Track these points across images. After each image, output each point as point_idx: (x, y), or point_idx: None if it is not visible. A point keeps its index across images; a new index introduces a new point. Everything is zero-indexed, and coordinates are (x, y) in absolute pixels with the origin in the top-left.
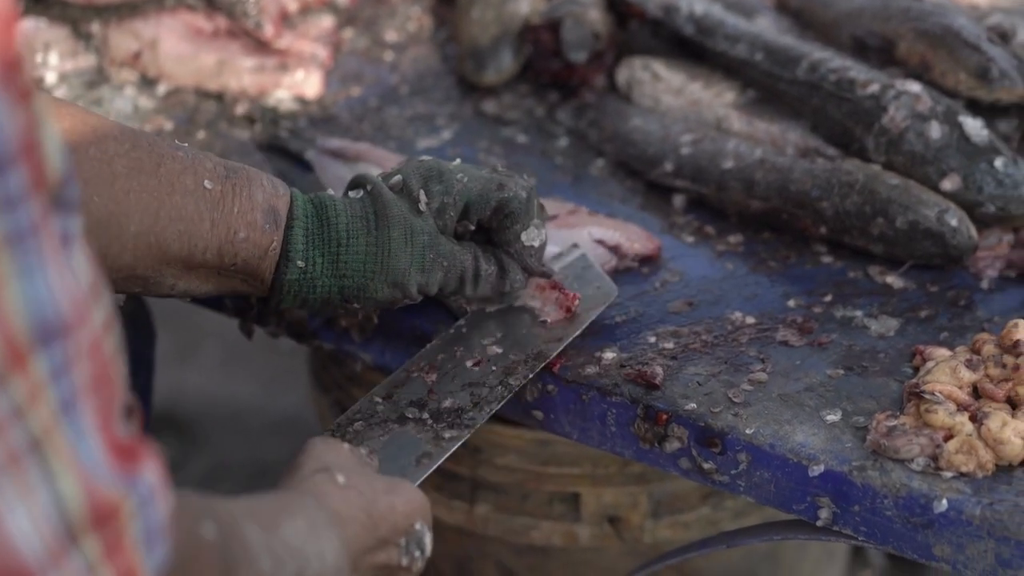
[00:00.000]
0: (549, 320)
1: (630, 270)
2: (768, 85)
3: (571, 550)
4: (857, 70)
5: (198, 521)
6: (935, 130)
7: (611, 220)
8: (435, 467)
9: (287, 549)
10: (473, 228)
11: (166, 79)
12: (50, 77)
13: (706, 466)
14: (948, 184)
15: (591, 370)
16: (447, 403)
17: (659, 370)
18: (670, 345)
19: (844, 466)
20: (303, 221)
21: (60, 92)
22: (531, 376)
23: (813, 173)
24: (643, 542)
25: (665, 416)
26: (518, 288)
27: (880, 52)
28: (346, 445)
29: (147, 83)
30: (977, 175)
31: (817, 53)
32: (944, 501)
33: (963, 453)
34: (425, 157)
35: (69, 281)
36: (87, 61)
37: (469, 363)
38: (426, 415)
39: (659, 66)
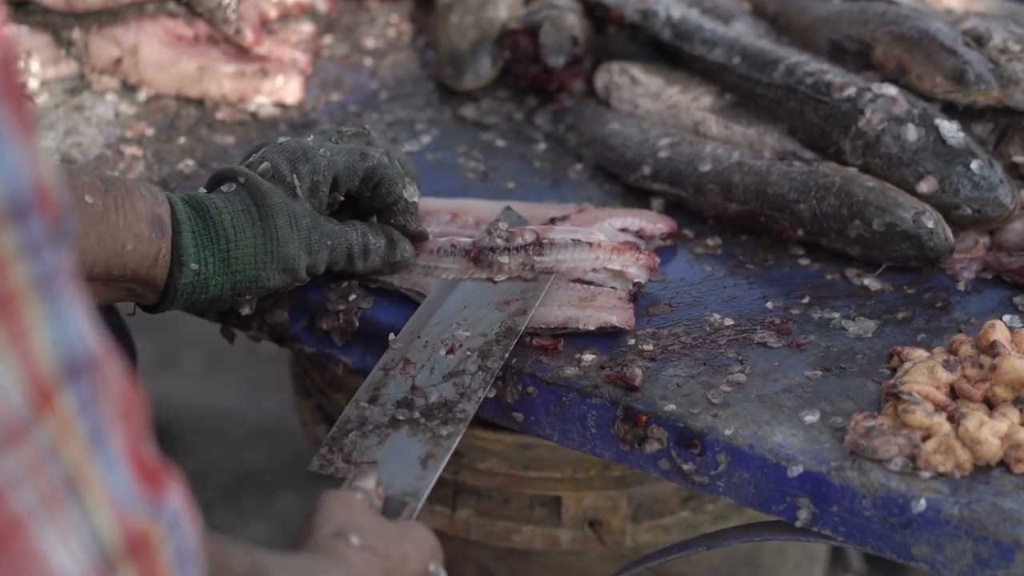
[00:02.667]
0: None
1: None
2: (745, 89)
3: (552, 554)
4: (834, 73)
5: (226, 553)
6: (911, 133)
7: (623, 209)
8: (443, 467)
9: None
10: (342, 199)
11: (147, 85)
12: (32, 84)
13: (686, 467)
14: (924, 187)
15: (571, 371)
16: (434, 398)
17: (638, 371)
18: (649, 347)
19: (823, 466)
20: (188, 224)
21: (42, 99)
22: (507, 355)
23: (790, 176)
24: (624, 545)
25: (645, 417)
26: (408, 257)
27: (857, 56)
28: (358, 496)
29: (128, 89)
30: (953, 178)
31: (794, 57)
32: (922, 501)
33: (941, 453)
34: (283, 139)
35: (90, 315)
36: (68, 68)
37: (442, 352)
38: (417, 414)
39: (637, 70)
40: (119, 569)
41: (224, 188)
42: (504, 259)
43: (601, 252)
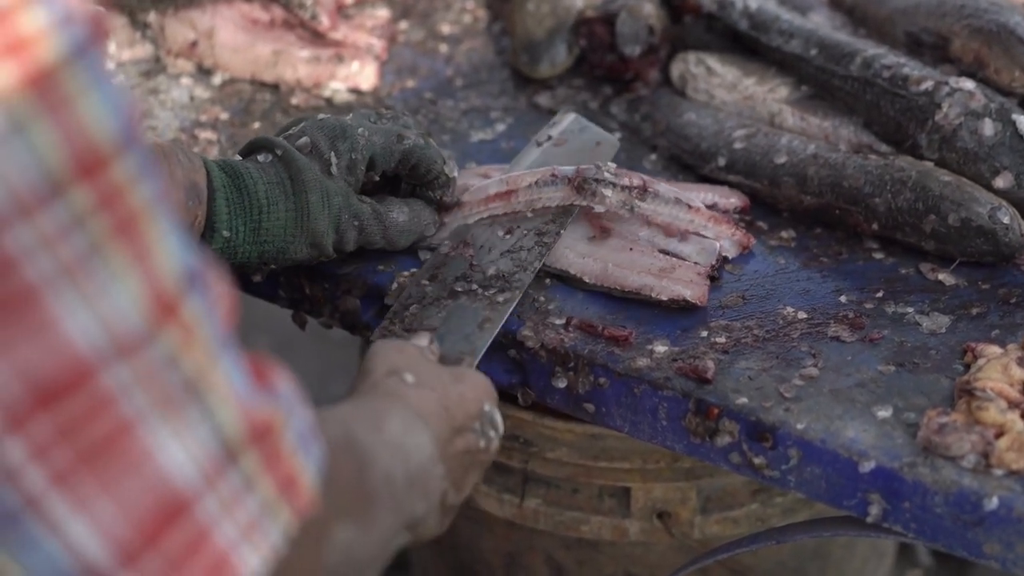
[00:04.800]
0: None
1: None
2: (822, 81)
3: (620, 544)
4: (911, 67)
5: (323, 425)
6: (988, 127)
7: (693, 184)
8: (498, 329)
9: (393, 446)
10: (378, 179)
11: (222, 69)
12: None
13: (757, 461)
14: (1001, 182)
15: (643, 363)
16: (491, 271)
17: (711, 364)
18: (722, 339)
19: (895, 462)
20: (223, 192)
21: (117, 81)
22: (560, 232)
23: (866, 169)
24: (692, 537)
25: (716, 410)
26: (430, 228)
27: (934, 49)
28: (409, 344)
29: (203, 73)
30: None
31: (871, 49)
32: (995, 499)
33: (1014, 450)
34: (323, 115)
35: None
36: (144, 51)
37: (500, 232)
38: (475, 286)
39: (713, 61)
40: (240, 457)
41: (260, 158)
42: (608, 192)
43: (698, 216)
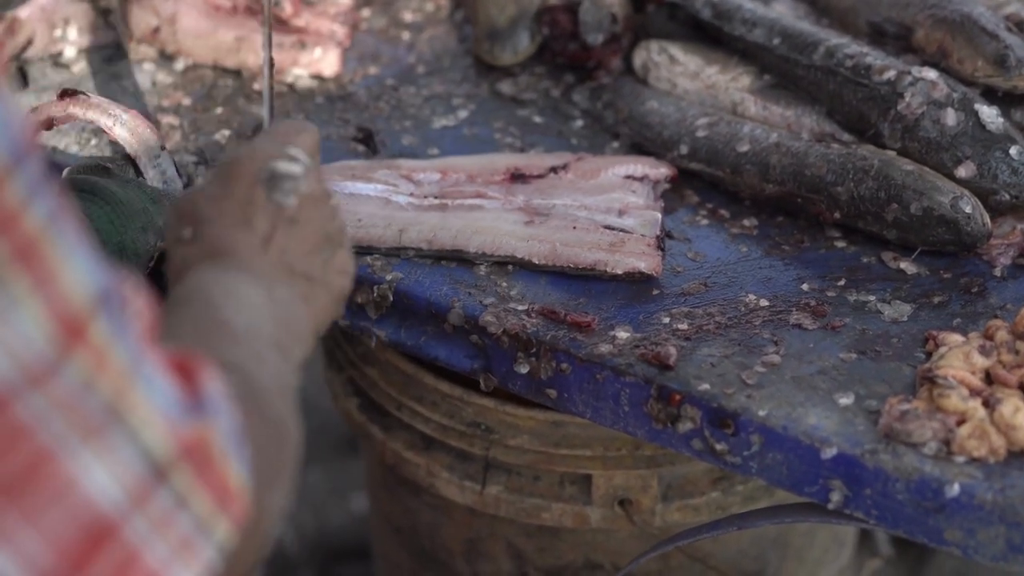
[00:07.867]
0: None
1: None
2: (784, 70)
3: (581, 532)
4: (874, 56)
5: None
6: (951, 117)
7: (622, 156)
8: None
9: (255, 350)
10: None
11: (184, 55)
12: (69, 52)
13: (718, 447)
14: (963, 171)
15: (605, 349)
16: None
17: (673, 351)
18: (684, 326)
19: (856, 449)
20: None
21: (79, 67)
22: None
23: (828, 158)
24: (653, 525)
25: (678, 396)
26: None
27: (897, 39)
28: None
29: (166, 59)
30: (992, 163)
31: (834, 39)
32: (956, 486)
33: (975, 438)
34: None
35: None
36: (106, 36)
37: None
38: None
39: (676, 49)
40: (171, 475)
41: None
42: None
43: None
